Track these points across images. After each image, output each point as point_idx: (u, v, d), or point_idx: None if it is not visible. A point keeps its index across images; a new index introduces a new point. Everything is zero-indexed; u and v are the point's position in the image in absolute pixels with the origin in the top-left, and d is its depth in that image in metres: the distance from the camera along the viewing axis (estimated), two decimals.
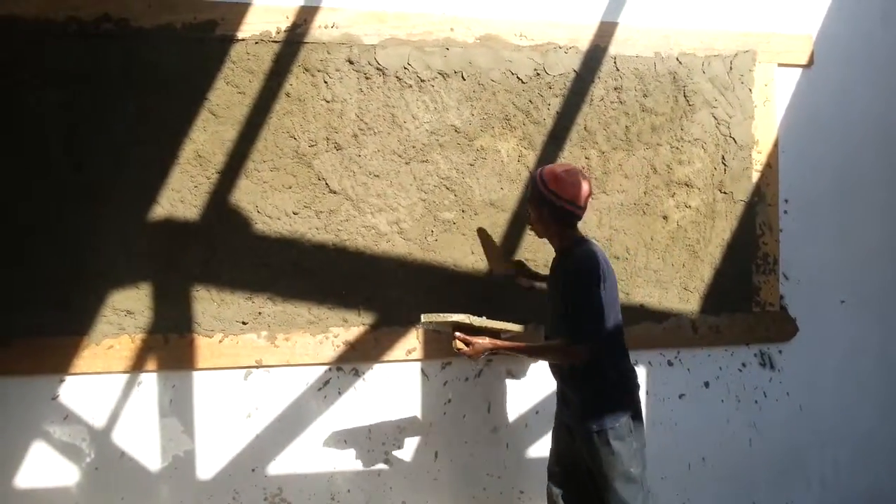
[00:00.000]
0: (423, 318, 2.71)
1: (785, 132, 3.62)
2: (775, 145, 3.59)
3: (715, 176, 3.51)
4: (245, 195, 3.10)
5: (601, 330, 2.59)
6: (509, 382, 3.41)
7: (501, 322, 2.90)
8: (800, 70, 3.64)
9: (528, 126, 3.32)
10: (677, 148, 3.46)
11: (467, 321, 2.71)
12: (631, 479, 2.66)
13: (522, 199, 3.32)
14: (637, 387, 2.78)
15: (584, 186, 2.66)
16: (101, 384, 3.07)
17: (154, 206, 3.04)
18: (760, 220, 3.58)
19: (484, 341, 2.75)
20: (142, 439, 3.13)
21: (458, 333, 2.76)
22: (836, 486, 3.79)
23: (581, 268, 2.61)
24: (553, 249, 2.86)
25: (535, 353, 2.90)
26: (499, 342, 2.78)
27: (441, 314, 2.71)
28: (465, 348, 2.74)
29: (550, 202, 2.66)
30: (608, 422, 2.65)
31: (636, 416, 2.73)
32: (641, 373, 3.53)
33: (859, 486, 3.82)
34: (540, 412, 3.42)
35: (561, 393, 2.90)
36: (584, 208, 2.69)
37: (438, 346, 3.28)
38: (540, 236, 2.85)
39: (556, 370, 2.88)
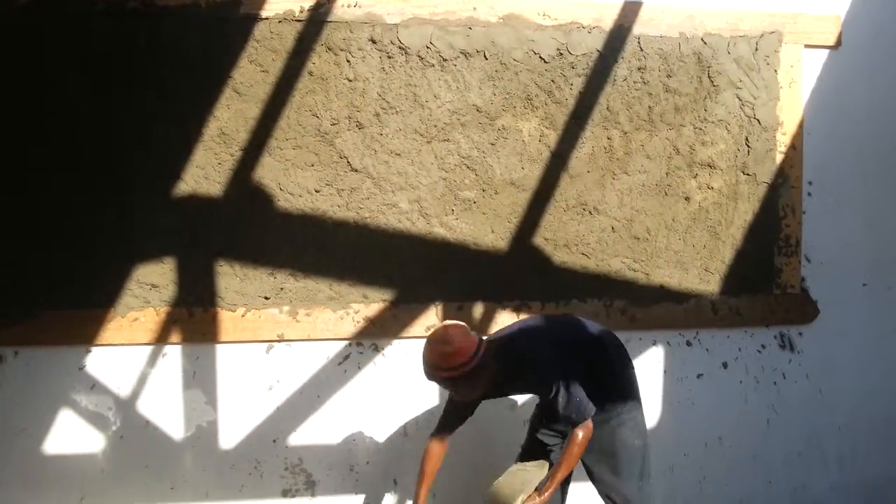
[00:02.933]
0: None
1: (810, 114, 3.54)
2: (800, 127, 3.51)
3: (738, 157, 3.46)
4: (268, 172, 3.11)
5: (585, 403, 2.54)
6: None
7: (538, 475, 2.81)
8: (827, 51, 3.54)
9: (550, 106, 3.28)
10: (700, 129, 3.40)
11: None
12: (636, 448, 2.71)
13: (544, 178, 3.30)
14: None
15: (457, 335, 2.45)
16: (126, 355, 3.12)
17: (179, 182, 3.06)
18: (783, 202, 3.52)
19: (544, 498, 2.65)
20: (166, 409, 3.18)
21: None
22: (853, 469, 3.75)
23: (538, 369, 2.55)
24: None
25: (566, 472, 2.66)
26: (543, 498, 2.65)
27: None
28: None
29: (479, 360, 2.44)
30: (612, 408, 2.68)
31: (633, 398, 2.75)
32: (660, 353, 3.52)
33: (877, 469, 3.78)
34: None
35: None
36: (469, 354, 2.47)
37: None
38: (477, 395, 2.65)
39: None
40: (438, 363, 2.41)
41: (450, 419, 2.77)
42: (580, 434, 2.57)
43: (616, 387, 2.70)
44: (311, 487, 3.31)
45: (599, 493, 2.79)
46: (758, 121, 3.45)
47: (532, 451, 2.90)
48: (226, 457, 3.24)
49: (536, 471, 2.78)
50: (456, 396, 2.62)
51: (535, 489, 2.70)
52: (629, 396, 2.72)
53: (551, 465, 2.83)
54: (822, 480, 3.73)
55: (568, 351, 2.60)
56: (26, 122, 2.97)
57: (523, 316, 3.32)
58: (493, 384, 2.58)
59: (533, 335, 2.67)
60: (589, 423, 2.57)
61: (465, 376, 2.42)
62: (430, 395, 3.35)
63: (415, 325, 3.27)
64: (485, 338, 2.56)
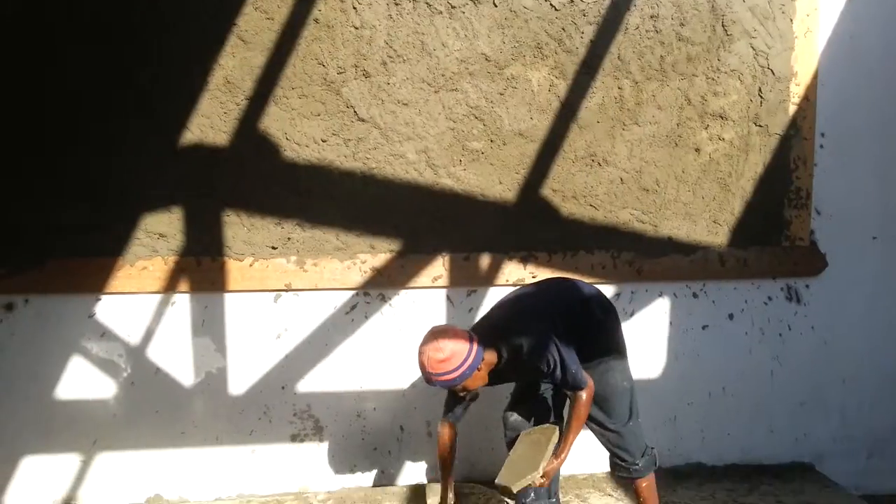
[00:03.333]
0: (514, 489, 2.62)
1: (825, 64, 3.44)
2: (814, 77, 3.42)
3: (750, 108, 3.38)
4: (274, 122, 3.07)
5: (581, 373, 2.57)
6: None
7: (548, 444, 2.73)
8: (844, 0, 3.42)
9: (560, 55, 3.20)
10: (713, 79, 3.32)
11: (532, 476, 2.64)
12: (625, 390, 2.75)
13: (553, 128, 3.24)
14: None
15: (451, 343, 2.46)
16: (135, 303, 3.14)
17: (185, 131, 3.02)
18: (795, 154, 3.46)
19: (552, 467, 2.66)
20: (176, 356, 3.21)
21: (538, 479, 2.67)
22: (855, 420, 3.77)
23: (530, 354, 2.53)
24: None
25: (577, 433, 2.68)
26: (560, 459, 2.68)
27: (520, 479, 2.63)
28: (546, 482, 2.68)
29: (476, 363, 2.47)
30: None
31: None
32: (666, 304, 3.50)
33: (879, 421, 3.79)
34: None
35: None
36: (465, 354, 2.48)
37: (464, 274, 3.28)
38: (478, 387, 2.66)
39: None
40: (435, 370, 2.43)
41: (452, 405, 2.83)
42: (584, 395, 2.60)
43: (604, 346, 2.74)
44: (319, 433, 3.35)
45: (594, 432, 2.84)
46: (771, 71, 3.36)
47: (522, 395, 2.95)
48: (235, 403, 3.28)
49: (535, 443, 2.78)
50: (462, 393, 2.64)
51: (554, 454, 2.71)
52: (615, 350, 2.76)
53: (551, 413, 2.87)
54: (823, 431, 3.75)
55: (556, 324, 2.59)
56: (28, 72, 2.93)
57: (530, 268, 3.31)
58: (493, 374, 2.63)
59: (520, 318, 2.64)
60: (590, 383, 2.61)
61: (462, 377, 2.45)
62: None
63: (421, 275, 3.27)
64: (473, 333, 2.54)
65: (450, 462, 2.87)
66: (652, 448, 2.85)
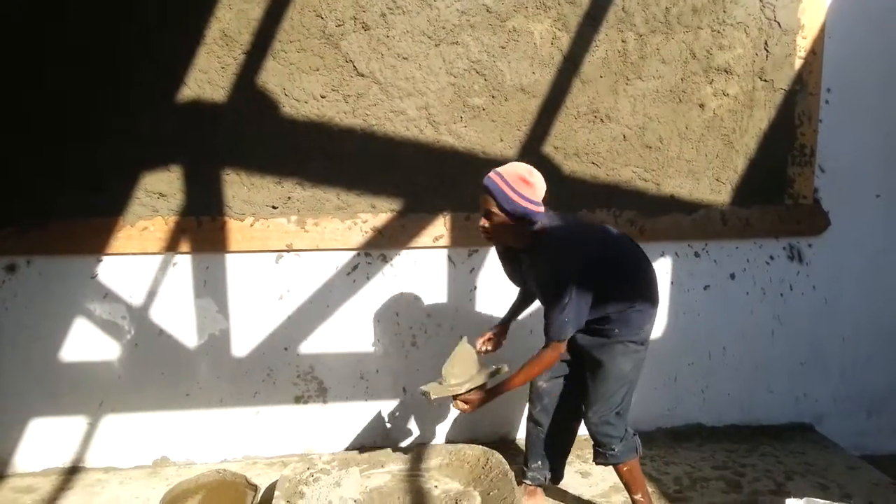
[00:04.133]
0: (432, 395, 2.65)
1: (833, 16, 3.32)
2: (822, 30, 3.31)
3: (756, 62, 3.27)
4: (272, 77, 2.96)
5: (573, 326, 2.41)
6: None
7: (485, 374, 2.76)
8: None
9: (563, 6, 3.07)
10: (718, 32, 3.20)
11: (462, 391, 2.65)
12: (626, 381, 2.57)
13: (555, 84, 3.14)
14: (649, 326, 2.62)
15: (544, 185, 2.40)
16: (137, 264, 3.07)
17: (182, 87, 2.92)
18: (800, 110, 3.36)
19: (478, 397, 2.64)
20: (179, 318, 3.15)
21: (457, 397, 2.66)
22: (854, 379, 3.72)
23: (549, 269, 2.40)
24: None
25: (525, 380, 2.58)
26: (491, 392, 2.63)
27: (441, 389, 2.66)
28: (465, 406, 2.64)
29: (520, 207, 2.34)
30: (633, 328, 2.52)
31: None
32: (667, 264, 3.44)
33: (879, 381, 3.75)
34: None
35: None
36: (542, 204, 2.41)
37: (466, 234, 3.20)
38: (501, 243, 2.60)
39: None
40: (507, 178, 2.35)
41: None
42: (548, 351, 2.47)
43: (633, 328, 2.55)
44: (322, 394, 3.30)
45: (576, 394, 2.73)
46: (778, 23, 3.25)
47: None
48: (239, 364, 3.22)
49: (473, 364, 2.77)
50: (484, 223, 2.47)
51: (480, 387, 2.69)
52: (640, 339, 2.57)
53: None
54: (823, 390, 3.72)
55: (594, 268, 2.43)
56: (29, 30, 2.82)
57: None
58: (513, 257, 2.59)
59: (572, 235, 2.48)
60: (560, 347, 2.47)
61: (508, 204, 2.34)
62: (438, 306, 3.30)
63: (422, 235, 3.19)
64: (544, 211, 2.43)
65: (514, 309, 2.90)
66: (634, 434, 2.68)
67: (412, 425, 3.42)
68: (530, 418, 2.87)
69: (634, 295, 2.52)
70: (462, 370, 2.71)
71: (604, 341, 2.55)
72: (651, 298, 2.57)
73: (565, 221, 2.51)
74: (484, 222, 2.45)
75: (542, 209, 2.39)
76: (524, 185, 2.34)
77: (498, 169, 2.39)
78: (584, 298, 2.40)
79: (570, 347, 2.72)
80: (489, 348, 2.85)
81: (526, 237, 2.44)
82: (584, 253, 2.42)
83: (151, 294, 3.11)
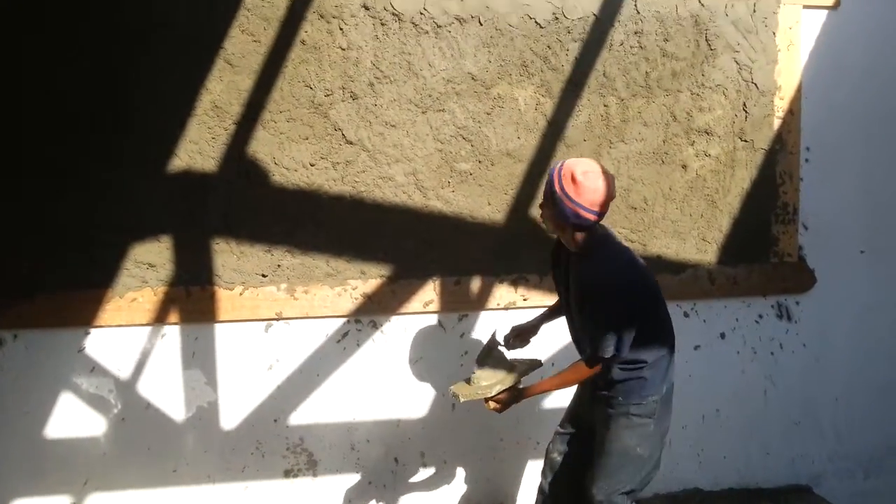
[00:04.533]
0: (461, 398, 2.61)
1: (809, 77, 3.42)
2: (798, 91, 3.40)
3: (736, 123, 3.34)
4: (262, 146, 2.99)
5: (619, 348, 2.34)
6: None
7: (516, 373, 2.70)
8: (826, 12, 3.40)
9: (546, 73, 3.15)
10: (698, 94, 3.28)
11: (492, 393, 2.60)
12: (632, 457, 2.48)
13: (540, 148, 3.18)
14: (673, 377, 2.56)
15: (604, 189, 2.29)
16: (125, 336, 3.02)
17: (173, 158, 2.93)
18: (781, 169, 3.41)
19: (508, 397, 2.58)
20: (166, 390, 3.08)
21: (488, 399, 2.60)
22: (850, 438, 3.68)
23: (602, 284, 2.34)
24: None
25: (558, 387, 2.57)
26: (526, 392, 2.58)
27: (471, 391, 2.62)
28: (497, 406, 2.59)
29: (563, 204, 2.30)
30: (635, 397, 2.45)
31: (664, 403, 2.52)
32: None
33: (874, 440, 3.71)
34: (556, 364, 3.31)
35: None
36: (602, 214, 2.33)
37: (456, 299, 3.19)
38: (552, 234, 2.60)
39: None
40: (563, 170, 2.31)
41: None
42: (585, 368, 2.42)
43: (640, 374, 2.47)
44: (312, 467, 3.22)
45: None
46: (755, 85, 3.34)
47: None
48: (227, 438, 3.15)
49: (504, 366, 2.71)
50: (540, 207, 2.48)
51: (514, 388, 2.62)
52: (642, 394, 2.47)
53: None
54: (819, 450, 3.67)
55: (649, 299, 2.42)
56: (16, 101, 2.84)
57: (521, 290, 3.25)
58: (561, 254, 2.56)
59: (631, 262, 2.44)
60: (600, 365, 2.40)
61: (563, 206, 2.30)
62: (429, 371, 3.26)
63: (413, 300, 3.17)
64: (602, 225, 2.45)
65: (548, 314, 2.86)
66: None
67: (405, 497, 3.32)
68: (540, 490, 2.79)
69: (663, 341, 2.47)
70: (492, 368, 2.66)
71: (609, 413, 2.49)
72: (668, 352, 2.51)
73: (619, 244, 2.49)
74: (540, 206, 2.48)
75: (585, 213, 2.29)
76: (570, 182, 2.28)
77: (566, 160, 2.37)
78: (633, 326, 2.35)
79: (573, 418, 2.68)
80: (519, 346, 2.82)
81: (572, 239, 2.40)
82: (646, 283, 2.42)
83: (139, 366, 3.05)
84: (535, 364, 2.75)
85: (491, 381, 2.62)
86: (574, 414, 2.78)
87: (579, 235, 2.38)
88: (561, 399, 3.29)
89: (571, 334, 2.65)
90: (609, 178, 2.32)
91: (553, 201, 2.34)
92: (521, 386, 2.64)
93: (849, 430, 3.68)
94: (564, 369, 2.51)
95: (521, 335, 2.83)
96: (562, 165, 2.34)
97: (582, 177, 2.27)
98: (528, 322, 2.86)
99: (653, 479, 2.61)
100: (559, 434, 2.79)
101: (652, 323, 2.46)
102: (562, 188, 2.30)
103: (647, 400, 2.46)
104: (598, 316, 2.35)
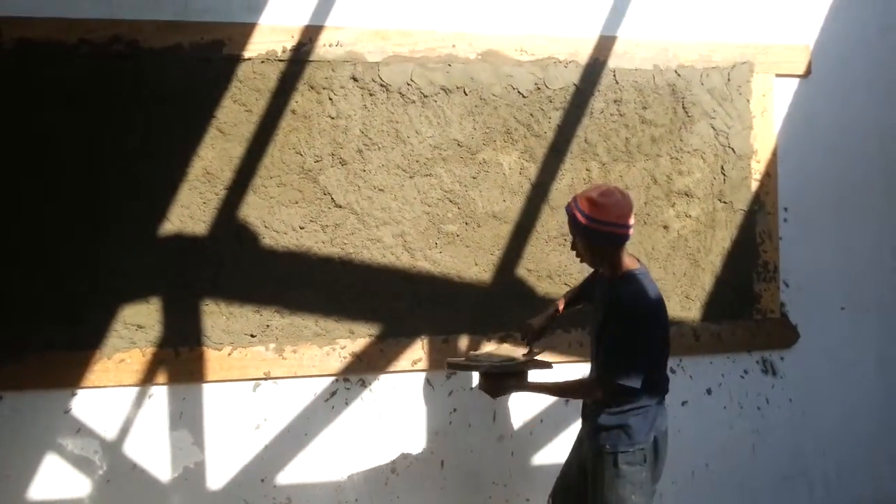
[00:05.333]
0: (448, 359, 2.72)
1: (783, 141, 3.54)
2: (774, 154, 3.51)
3: (714, 185, 3.45)
4: (253, 210, 3.06)
5: (627, 376, 2.39)
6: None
7: (530, 357, 2.78)
8: (797, 80, 3.56)
9: (529, 139, 3.26)
10: (677, 158, 3.39)
11: (494, 370, 2.64)
12: (621, 499, 2.47)
13: (525, 210, 3.26)
14: (663, 425, 2.55)
15: (626, 201, 2.39)
16: (112, 397, 3.03)
17: (164, 222, 3.00)
18: (760, 229, 3.51)
19: (509, 384, 2.64)
20: (153, 451, 3.07)
21: (485, 376, 2.67)
22: (839, 490, 3.70)
23: (627, 309, 2.39)
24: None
25: (557, 393, 2.64)
26: (523, 385, 2.63)
27: (470, 362, 2.69)
28: (491, 383, 2.63)
29: (594, 230, 2.38)
30: (622, 444, 2.47)
31: (656, 449, 2.54)
32: None
33: (862, 490, 3.73)
34: (545, 420, 3.35)
35: (584, 406, 2.71)
36: (630, 226, 2.41)
37: (444, 357, 3.21)
38: (590, 265, 2.63)
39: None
40: (578, 199, 2.43)
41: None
42: (596, 389, 2.50)
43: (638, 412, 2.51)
44: None
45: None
46: (732, 149, 3.45)
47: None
48: (214, 498, 3.13)
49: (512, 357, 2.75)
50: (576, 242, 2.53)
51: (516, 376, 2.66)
52: (632, 436, 2.49)
53: None
54: None
55: (662, 328, 2.50)
56: (10, 164, 2.91)
57: (505, 344, 3.27)
58: (590, 283, 2.69)
59: (652, 290, 2.48)
60: (611, 390, 2.43)
61: (588, 226, 2.38)
62: (418, 430, 3.28)
63: (401, 359, 3.21)
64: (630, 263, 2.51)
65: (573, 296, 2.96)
66: None
67: None
68: None
69: (655, 388, 2.51)
70: (498, 353, 2.73)
71: (600, 464, 2.50)
72: (656, 402, 2.54)
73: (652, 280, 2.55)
74: (572, 247, 2.56)
75: (618, 230, 2.38)
76: (592, 207, 2.36)
77: (576, 194, 2.49)
78: (647, 359, 2.42)
79: (565, 485, 2.73)
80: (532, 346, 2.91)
81: (612, 263, 2.47)
82: (665, 324, 2.49)
83: (126, 427, 3.05)
84: (545, 364, 2.76)
85: (489, 361, 2.65)
86: (567, 469, 2.77)
87: (617, 257, 2.46)
88: (551, 455, 3.32)
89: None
90: (624, 191, 2.43)
91: (582, 233, 2.41)
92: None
93: (837, 482, 3.69)
94: (572, 381, 2.60)
95: (534, 334, 2.90)
96: (575, 199, 2.44)
97: (600, 197, 2.37)
98: (536, 319, 2.93)
99: None
100: (555, 493, 2.78)
101: (654, 365, 2.50)
102: (586, 216, 2.38)
103: (635, 448, 2.47)
104: (621, 337, 2.40)
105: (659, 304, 2.46)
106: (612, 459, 2.47)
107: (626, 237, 2.41)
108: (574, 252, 2.57)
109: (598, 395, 2.50)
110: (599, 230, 2.37)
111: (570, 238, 3.00)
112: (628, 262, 2.49)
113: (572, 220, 2.43)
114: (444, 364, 3.21)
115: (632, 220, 2.41)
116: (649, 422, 2.50)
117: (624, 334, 2.39)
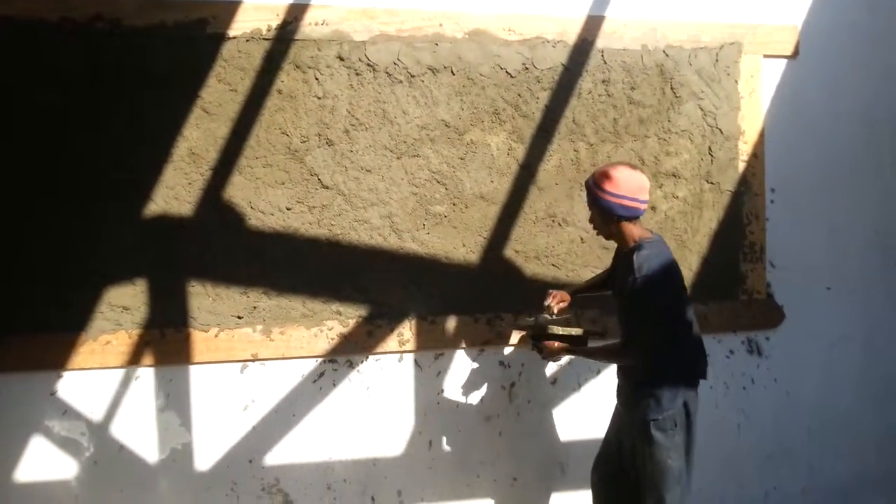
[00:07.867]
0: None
1: (771, 122, 3.58)
2: (761, 135, 3.56)
3: (702, 166, 3.49)
4: (238, 191, 3.07)
5: (650, 338, 2.64)
6: (502, 371, 3.40)
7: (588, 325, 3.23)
8: (785, 61, 3.59)
9: (517, 120, 3.28)
10: (665, 139, 3.43)
11: (560, 332, 2.96)
12: (668, 469, 2.65)
13: (513, 191, 3.29)
14: (694, 382, 2.77)
15: (640, 176, 2.65)
16: (98, 379, 3.04)
17: (149, 203, 3.00)
18: (747, 210, 3.56)
19: (555, 346, 2.95)
20: (140, 433, 3.10)
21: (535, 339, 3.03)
22: (822, 470, 3.77)
23: (639, 276, 2.58)
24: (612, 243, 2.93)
25: (593, 356, 2.97)
26: (568, 348, 2.96)
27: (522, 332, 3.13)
28: (554, 347, 2.94)
29: (611, 202, 2.62)
30: (652, 413, 2.66)
31: (687, 412, 2.70)
32: None
33: (846, 470, 3.81)
34: (532, 401, 3.41)
35: (618, 376, 2.93)
36: (642, 201, 2.64)
37: (432, 338, 3.26)
38: (606, 238, 2.83)
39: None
40: (595, 175, 2.69)
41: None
42: (621, 351, 2.76)
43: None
44: None
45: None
46: (720, 130, 3.49)
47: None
48: (202, 479, 3.16)
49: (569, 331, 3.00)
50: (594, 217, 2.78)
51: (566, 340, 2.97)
52: (660, 399, 2.69)
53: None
54: (793, 483, 3.75)
55: (683, 303, 2.74)
56: None
57: (496, 328, 3.32)
58: (621, 259, 2.78)
59: (670, 264, 2.69)
60: (633, 356, 2.70)
61: (611, 204, 2.63)
62: (405, 411, 3.32)
63: (389, 340, 3.24)
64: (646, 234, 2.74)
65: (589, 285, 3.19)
66: None
67: None
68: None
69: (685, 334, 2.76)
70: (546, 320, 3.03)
71: (638, 431, 2.69)
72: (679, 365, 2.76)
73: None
74: (590, 221, 2.82)
75: (633, 203, 2.63)
76: (608, 181, 2.62)
77: (594, 170, 2.78)
78: (666, 317, 2.65)
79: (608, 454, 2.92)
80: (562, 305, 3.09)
81: (628, 235, 2.69)
82: (675, 274, 2.69)
83: (112, 409, 3.07)
84: (598, 333, 3.10)
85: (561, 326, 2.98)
86: (608, 437, 2.99)
87: (633, 228, 2.69)
88: (538, 436, 3.38)
89: None
90: (639, 167, 2.74)
91: (599, 206, 2.67)
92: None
93: (821, 462, 3.77)
94: (607, 344, 2.95)
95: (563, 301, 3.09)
96: (593, 175, 2.70)
97: (616, 172, 2.62)
98: (568, 289, 3.16)
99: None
100: (598, 461, 3.02)
101: (676, 322, 2.71)
102: (603, 190, 2.63)
103: (664, 414, 2.65)
104: (634, 308, 2.64)
105: (670, 267, 2.66)
106: (644, 427, 2.67)
107: (637, 210, 2.65)
108: (592, 225, 2.82)
109: (629, 357, 2.75)
110: (616, 202, 2.62)
111: (561, 219, 3.21)
112: (641, 234, 2.71)
113: (589, 193, 2.69)
114: (430, 346, 3.26)
115: (644, 196, 2.64)
116: (677, 387, 2.68)
117: (639, 298, 2.59)
